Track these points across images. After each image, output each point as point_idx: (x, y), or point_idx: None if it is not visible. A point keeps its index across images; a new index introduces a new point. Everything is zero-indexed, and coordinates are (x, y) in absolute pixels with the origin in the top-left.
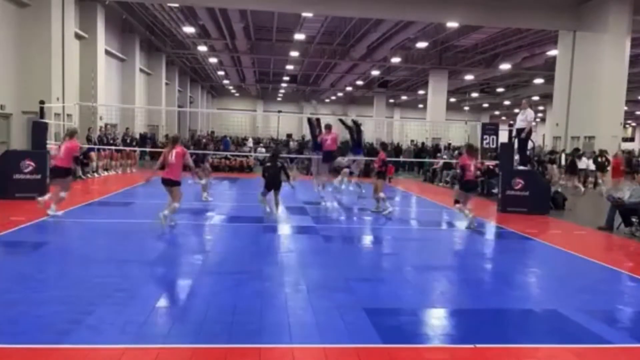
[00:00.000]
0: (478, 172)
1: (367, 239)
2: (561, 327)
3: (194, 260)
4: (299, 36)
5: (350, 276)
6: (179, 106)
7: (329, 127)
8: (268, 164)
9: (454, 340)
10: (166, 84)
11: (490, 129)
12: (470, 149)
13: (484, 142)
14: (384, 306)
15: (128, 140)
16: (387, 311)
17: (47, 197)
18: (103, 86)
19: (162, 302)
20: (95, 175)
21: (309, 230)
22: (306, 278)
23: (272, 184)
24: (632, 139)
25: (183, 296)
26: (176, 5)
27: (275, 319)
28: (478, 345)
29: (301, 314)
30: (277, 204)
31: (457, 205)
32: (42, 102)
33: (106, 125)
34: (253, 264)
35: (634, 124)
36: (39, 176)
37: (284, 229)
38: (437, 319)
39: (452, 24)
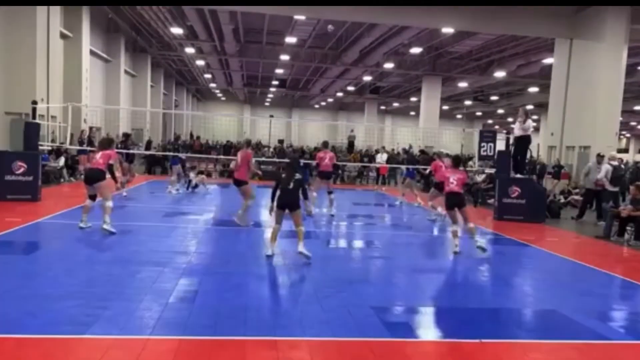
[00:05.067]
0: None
1: (369, 244)
2: (561, 325)
3: (205, 261)
4: (290, 39)
5: (354, 278)
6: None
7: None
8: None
9: (460, 335)
10: (151, 86)
11: (488, 137)
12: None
13: (482, 149)
14: (391, 305)
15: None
16: (395, 309)
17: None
18: (87, 87)
19: (177, 298)
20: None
21: (310, 235)
22: (312, 279)
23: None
24: (626, 150)
25: (196, 294)
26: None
27: (286, 316)
28: (484, 340)
29: (311, 311)
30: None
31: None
32: (34, 102)
33: (91, 128)
34: (254, 266)
35: (628, 135)
36: (30, 178)
37: (286, 234)
38: (442, 316)
39: (447, 30)
